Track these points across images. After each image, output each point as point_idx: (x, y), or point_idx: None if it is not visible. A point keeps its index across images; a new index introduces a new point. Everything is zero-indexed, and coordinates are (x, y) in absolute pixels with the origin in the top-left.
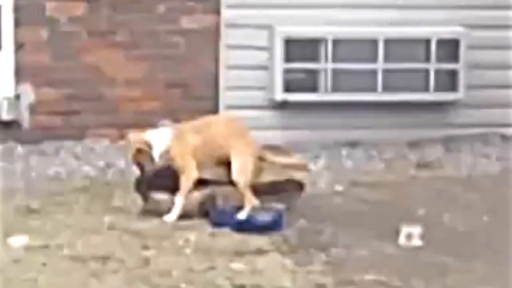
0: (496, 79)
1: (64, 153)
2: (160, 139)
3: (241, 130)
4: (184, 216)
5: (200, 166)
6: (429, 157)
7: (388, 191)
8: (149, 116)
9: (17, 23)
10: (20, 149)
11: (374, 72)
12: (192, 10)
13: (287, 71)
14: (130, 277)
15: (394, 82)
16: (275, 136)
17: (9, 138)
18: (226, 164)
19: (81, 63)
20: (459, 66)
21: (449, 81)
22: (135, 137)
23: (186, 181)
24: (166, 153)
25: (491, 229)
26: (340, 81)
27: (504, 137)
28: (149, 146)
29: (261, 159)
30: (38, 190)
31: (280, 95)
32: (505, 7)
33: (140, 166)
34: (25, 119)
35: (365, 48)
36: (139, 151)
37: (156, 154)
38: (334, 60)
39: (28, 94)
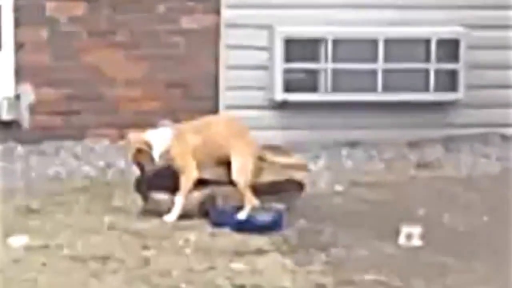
0: (496, 79)
1: (64, 153)
2: (160, 139)
3: (241, 130)
4: (184, 216)
5: (200, 166)
6: (429, 157)
7: (388, 191)
8: (149, 116)
9: (17, 23)
10: (20, 149)
11: (374, 72)
12: (192, 10)
13: (287, 71)
14: (130, 277)
15: (394, 82)
16: (275, 136)
17: (9, 138)
18: (226, 164)
19: (81, 63)
20: (459, 66)
21: (449, 81)
22: (135, 137)
23: (186, 181)
24: (166, 153)
25: (491, 229)
26: (340, 81)
27: (504, 137)
28: (149, 146)
29: (261, 159)
30: (38, 190)
31: (280, 95)
32: (505, 7)
33: (140, 166)
34: (25, 119)
35: (365, 48)
36: (139, 151)
37: (156, 154)
38: (334, 60)
39: (28, 94)
